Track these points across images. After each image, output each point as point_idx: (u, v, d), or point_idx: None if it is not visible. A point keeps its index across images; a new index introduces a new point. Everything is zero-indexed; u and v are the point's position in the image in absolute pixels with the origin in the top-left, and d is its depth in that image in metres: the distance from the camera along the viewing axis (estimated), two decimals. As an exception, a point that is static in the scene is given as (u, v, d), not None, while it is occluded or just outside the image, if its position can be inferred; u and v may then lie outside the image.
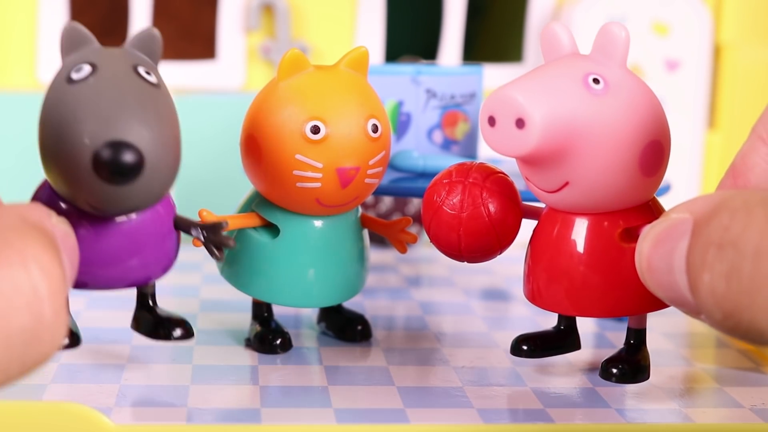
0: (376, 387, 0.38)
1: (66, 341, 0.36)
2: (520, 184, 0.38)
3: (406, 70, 0.50)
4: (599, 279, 0.36)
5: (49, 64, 0.60)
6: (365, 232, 0.43)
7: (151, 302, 0.38)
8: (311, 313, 0.46)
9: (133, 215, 0.35)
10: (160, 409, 0.36)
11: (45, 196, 0.35)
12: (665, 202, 0.60)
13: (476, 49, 0.73)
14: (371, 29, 0.62)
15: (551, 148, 0.33)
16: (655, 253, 0.29)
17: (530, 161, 0.34)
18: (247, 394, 0.37)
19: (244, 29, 0.61)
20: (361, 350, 0.42)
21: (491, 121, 0.33)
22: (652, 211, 0.37)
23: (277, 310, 0.44)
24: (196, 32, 0.65)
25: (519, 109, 0.33)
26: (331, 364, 0.40)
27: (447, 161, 0.48)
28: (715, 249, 0.26)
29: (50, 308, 0.24)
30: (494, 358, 0.42)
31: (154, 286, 0.39)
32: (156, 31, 0.35)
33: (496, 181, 0.37)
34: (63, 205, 0.35)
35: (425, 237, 0.55)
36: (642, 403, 0.37)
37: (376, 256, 0.57)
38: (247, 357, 0.41)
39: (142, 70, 0.33)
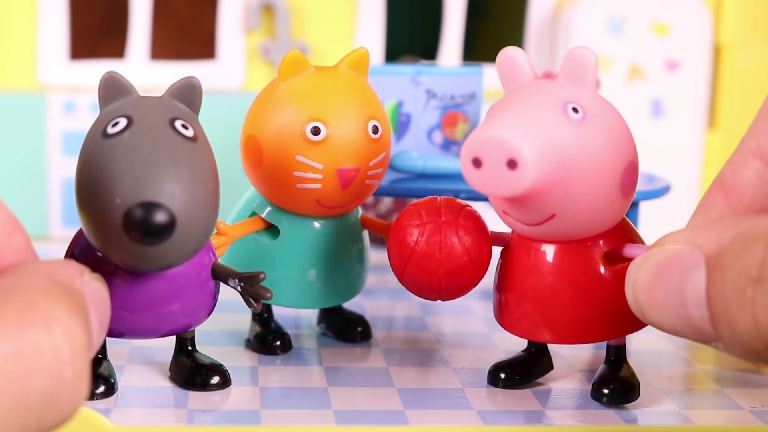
0: (375, 388, 0.38)
1: (102, 388, 0.36)
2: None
3: (406, 70, 0.50)
4: (583, 305, 0.36)
5: (49, 64, 0.60)
6: (365, 233, 0.43)
7: (189, 347, 0.38)
8: (311, 314, 0.46)
9: None
10: (160, 410, 0.36)
11: (83, 243, 0.35)
12: (665, 202, 0.61)
13: (476, 49, 0.73)
14: (371, 29, 0.62)
15: (542, 185, 0.32)
16: (657, 286, 0.28)
17: (518, 199, 0.33)
18: (247, 395, 0.37)
19: (244, 29, 0.61)
20: (361, 351, 0.42)
21: (476, 163, 0.32)
22: (623, 229, 0.36)
23: (277, 311, 0.44)
24: (196, 32, 0.65)
25: (509, 149, 0.31)
26: (330, 365, 0.40)
27: (447, 162, 0.48)
28: (753, 283, 0.26)
29: (71, 371, 0.24)
30: (494, 359, 0.41)
31: (193, 331, 0.38)
32: (195, 80, 0.34)
33: (467, 216, 0.37)
34: (100, 254, 0.34)
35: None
36: (641, 405, 0.37)
37: (376, 256, 0.57)
38: (247, 358, 0.41)
39: (178, 124, 0.33)
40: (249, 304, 0.36)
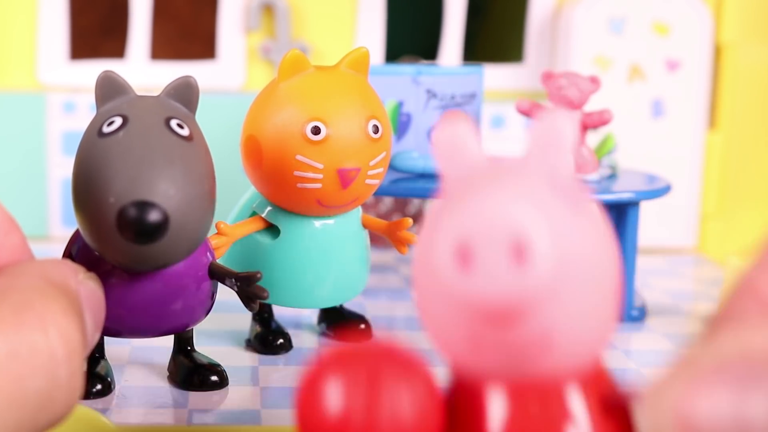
0: (376, 388, 0.38)
1: (98, 387, 0.36)
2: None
3: (406, 70, 0.50)
4: None
5: (49, 64, 0.60)
6: (366, 233, 0.43)
7: (188, 346, 0.38)
8: (312, 314, 0.46)
9: None
10: (160, 410, 0.36)
11: (81, 242, 0.35)
12: (665, 202, 0.60)
13: (476, 49, 0.73)
14: (371, 29, 0.62)
15: (555, 285, 0.22)
16: (707, 404, 0.20)
17: (514, 313, 0.22)
18: (247, 395, 0.37)
19: (244, 29, 0.61)
20: (362, 351, 0.42)
21: (464, 257, 0.21)
22: (597, 372, 0.24)
23: (278, 311, 0.44)
24: (196, 32, 0.65)
25: (518, 228, 0.21)
26: (331, 365, 0.40)
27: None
28: None
29: (66, 371, 0.24)
30: (494, 358, 0.41)
31: (192, 331, 0.38)
32: (192, 80, 0.34)
33: (409, 364, 0.25)
34: (97, 253, 0.34)
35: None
36: (642, 404, 0.37)
37: (376, 256, 0.57)
38: (248, 358, 0.41)
39: (174, 123, 0.33)
40: (246, 304, 0.36)
